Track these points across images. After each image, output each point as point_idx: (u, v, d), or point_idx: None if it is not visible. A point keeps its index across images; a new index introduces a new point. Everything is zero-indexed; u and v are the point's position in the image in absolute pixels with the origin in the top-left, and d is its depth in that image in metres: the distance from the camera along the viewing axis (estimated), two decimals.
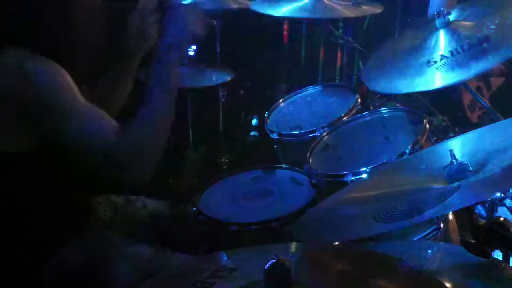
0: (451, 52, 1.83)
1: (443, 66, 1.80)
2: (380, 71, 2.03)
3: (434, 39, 1.91)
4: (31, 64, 1.46)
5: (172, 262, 1.71)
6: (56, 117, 1.48)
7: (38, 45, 1.49)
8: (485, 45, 1.77)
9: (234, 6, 2.90)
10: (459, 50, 1.82)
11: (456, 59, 1.80)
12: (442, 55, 1.84)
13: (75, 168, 1.58)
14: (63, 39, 1.56)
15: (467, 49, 1.80)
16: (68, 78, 1.51)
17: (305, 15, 2.72)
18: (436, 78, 1.80)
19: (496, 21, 1.83)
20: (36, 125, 1.49)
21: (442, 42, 1.89)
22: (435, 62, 1.83)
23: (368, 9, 2.80)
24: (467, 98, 3.00)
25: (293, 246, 1.24)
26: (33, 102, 1.46)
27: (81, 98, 1.52)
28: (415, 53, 1.94)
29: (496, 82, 3.07)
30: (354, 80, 3.34)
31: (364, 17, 3.35)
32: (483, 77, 3.00)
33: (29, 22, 1.51)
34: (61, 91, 1.49)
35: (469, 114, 3.03)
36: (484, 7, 1.97)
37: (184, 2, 1.71)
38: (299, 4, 2.72)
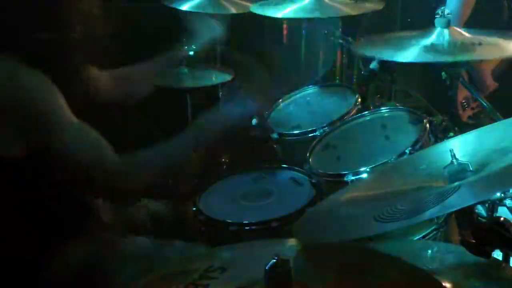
0: (442, 43, 1.83)
1: (429, 48, 1.81)
2: (371, 41, 2.07)
3: (430, 32, 1.91)
4: (23, 76, 1.46)
5: (170, 254, 1.71)
6: (43, 130, 1.49)
7: (30, 54, 1.49)
8: (477, 46, 1.78)
9: (233, 10, 2.91)
10: (451, 43, 1.82)
11: (444, 48, 1.80)
12: (432, 42, 1.84)
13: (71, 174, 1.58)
14: (57, 48, 1.56)
15: (459, 45, 1.81)
16: (59, 93, 1.51)
17: (306, 15, 2.68)
18: (418, 54, 1.80)
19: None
20: (25, 135, 1.49)
21: (437, 35, 1.89)
22: (425, 45, 1.83)
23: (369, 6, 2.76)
24: (461, 96, 3.01)
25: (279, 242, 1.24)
26: (21, 114, 1.47)
27: (71, 116, 1.53)
28: (409, 37, 1.94)
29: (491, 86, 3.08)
30: (354, 80, 3.34)
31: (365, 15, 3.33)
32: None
33: (21, 30, 1.51)
34: (50, 106, 1.50)
35: (460, 111, 3.04)
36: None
37: None
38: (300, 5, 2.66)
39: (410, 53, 1.81)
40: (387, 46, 1.97)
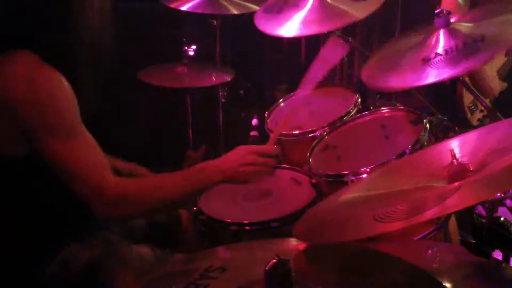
0: (446, 51, 1.83)
1: (435, 64, 1.81)
2: (378, 68, 2.04)
3: (434, 38, 1.91)
4: (40, 77, 1.46)
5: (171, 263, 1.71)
6: (49, 133, 1.49)
7: (48, 52, 1.49)
8: (479, 44, 1.77)
9: (233, 11, 2.91)
10: (454, 49, 1.82)
11: (449, 57, 1.81)
12: (436, 53, 1.84)
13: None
14: (73, 46, 1.57)
15: (462, 48, 1.81)
16: (73, 97, 1.51)
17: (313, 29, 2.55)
18: (427, 74, 1.80)
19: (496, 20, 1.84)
20: (31, 135, 1.49)
21: (440, 41, 1.89)
22: (429, 59, 1.83)
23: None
24: (467, 100, 2.99)
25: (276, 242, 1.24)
26: (33, 114, 1.46)
27: (81, 125, 1.53)
28: (414, 51, 1.94)
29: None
30: (355, 80, 3.34)
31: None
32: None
33: (39, 28, 1.50)
34: (62, 111, 1.50)
35: (469, 115, 3.02)
36: (486, 11, 1.97)
37: None
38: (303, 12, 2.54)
39: (418, 76, 1.81)
40: (391, 73, 1.95)
